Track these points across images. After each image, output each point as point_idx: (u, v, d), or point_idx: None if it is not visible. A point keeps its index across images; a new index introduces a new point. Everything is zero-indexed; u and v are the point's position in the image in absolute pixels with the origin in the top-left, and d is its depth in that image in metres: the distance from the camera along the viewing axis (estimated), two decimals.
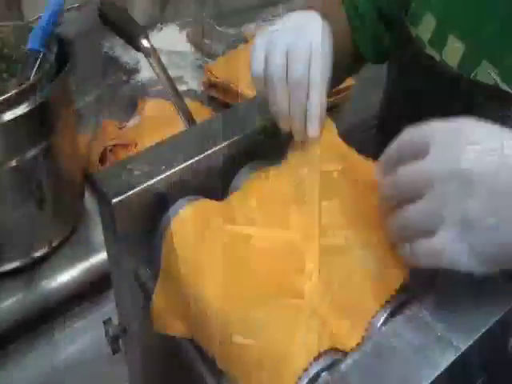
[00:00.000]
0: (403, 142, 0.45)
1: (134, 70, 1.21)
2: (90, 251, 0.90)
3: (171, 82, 0.55)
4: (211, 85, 1.12)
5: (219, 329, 0.46)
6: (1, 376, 0.83)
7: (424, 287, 0.45)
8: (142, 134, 0.93)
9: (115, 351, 0.64)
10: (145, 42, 0.53)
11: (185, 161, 0.55)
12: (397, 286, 0.45)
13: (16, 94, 0.71)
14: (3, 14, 1.00)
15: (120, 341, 0.64)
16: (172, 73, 1.23)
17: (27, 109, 0.72)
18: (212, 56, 1.25)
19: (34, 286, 0.87)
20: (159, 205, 0.54)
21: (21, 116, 0.72)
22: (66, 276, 0.89)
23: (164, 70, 0.55)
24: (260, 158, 0.59)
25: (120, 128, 1.00)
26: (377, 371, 0.39)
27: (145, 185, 0.53)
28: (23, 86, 0.72)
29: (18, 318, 0.85)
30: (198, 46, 1.28)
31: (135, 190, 0.52)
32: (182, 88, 1.19)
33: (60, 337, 0.87)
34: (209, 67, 1.13)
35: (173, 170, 0.54)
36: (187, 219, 0.51)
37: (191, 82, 1.21)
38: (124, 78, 1.20)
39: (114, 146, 0.94)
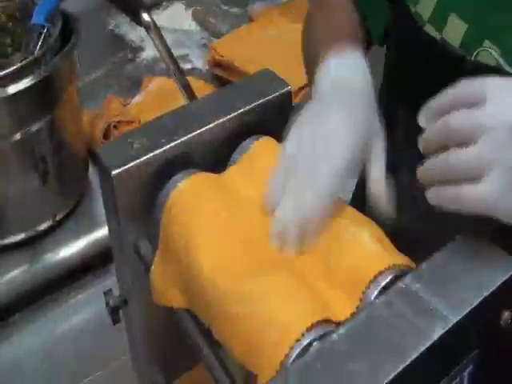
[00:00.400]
0: (458, 91, 0.45)
1: (140, 48, 1.21)
2: (93, 225, 0.91)
3: (172, 56, 0.55)
4: (216, 63, 1.12)
5: (214, 299, 0.47)
6: (5, 345, 0.85)
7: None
8: (146, 111, 0.93)
9: (115, 321, 0.65)
10: (145, 16, 0.53)
11: (185, 134, 0.55)
12: (392, 259, 0.46)
13: (20, 67, 0.71)
14: None
15: (121, 311, 0.65)
16: (177, 51, 1.24)
17: (31, 82, 0.72)
18: (217, 35, 1.25)
19: (39, 258, 0.89)
20: (159, 178, 0.55)
21: (25, 89, 0.73)
22: (69, 249, 0.91)
23: (165, 44, 0.55)
24: (262, 133, 0.59)
25: (124, 105, 1.01)
26: (367, 341, 0.40)
27: (144, 157, 0.53)
28: (27, 59, 0.72)
29: (23, 289, 0.87)
30: (203, 24, 1.28)
31: (135, 162, 0.53)
32: (186, 66, 1.20)
33: (63, 308, 0.89)
34: (213, 46, 1.13)
35: (172, 144, 0.55)
36: (185, 192, 0.52)
37: (196, 61, 1.21)
38: (129, 55, 1.21)
39: (118, 122, 0.95)
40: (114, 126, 0.94)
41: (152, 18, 0.54)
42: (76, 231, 0.91)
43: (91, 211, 0.93)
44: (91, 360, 0.88)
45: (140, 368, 0.70)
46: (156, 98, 0.99)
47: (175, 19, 1.30)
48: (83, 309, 0.89)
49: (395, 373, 0.38)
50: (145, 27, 0.54)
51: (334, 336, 0.40)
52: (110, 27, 1.26)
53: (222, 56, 1.10)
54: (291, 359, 0.41)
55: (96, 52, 1.21)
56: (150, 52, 1.20)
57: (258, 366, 0.44)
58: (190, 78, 1.08)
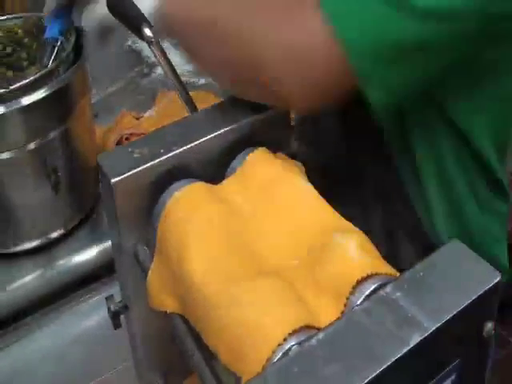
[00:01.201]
0: None
1: (155, 64, 1.24)
2: (104, 234, 0.94)
3: (174, 71, 0.58)
4: None
5: (203, 304, 0.48)
6: (16, 348, 0.88)
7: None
8: (157, 125, 0.96)
9: (116, 326, 0.67)
10: (147, 31, 0.56)
11: (183, 145, 0.58)
12: (375, 267, 0.47)
13: (34, 80, 0.74)
14: (31, 6, 1.05)
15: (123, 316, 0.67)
16: (192, 67, 1.27)
17: (45, 94, 0.76)
18: None
19: (51, 264, 0.92)
20: (157, 186, 0.57)
21: (38, 101, 0.76)
22: (81, 257, 0.93)
23: (166, 59, 0.57)
24: (259, 145, 0.61)
25: (137, 118, 1.04)
26: (344, 346, 0.41)
27: (143, 167, 0.55)
28: (41, 72, 0.75)
29: (35, 294, 0.90)
30: None
31: (134, 171, 0.55)
32: (200, 82, 1.23)
33: (74, 313, 0.91)
34: None
35: (171, 154, 0.57)
36: (180, 201, 0.54)
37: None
38: (145, 70, 1.24)
39: (130, 134, 0.98)
40: (126, 139, 0.97)
41: (154, 34, 0.56)
42: (87, 240, 0.94)
43: (102, 221, 0.96)
44: (100, 363, 0.90)
45: (141, 373, 0.72)
46: (167, 112, 1.02)
47: None
48: (93, 314, 0.91)
49: (371, 377, 0.39)
50: (147, 42, 0.56)
51: (313, 341, 0.42)
52: (128, 43, 1.29)
53: None
54: (273, 363, 0.43)
55: (114, 67, 1.25)
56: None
57: (241, 369, 0.45)
58: (202, 92, 1.11)
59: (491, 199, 0.70)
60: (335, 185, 0.60)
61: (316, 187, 0.56)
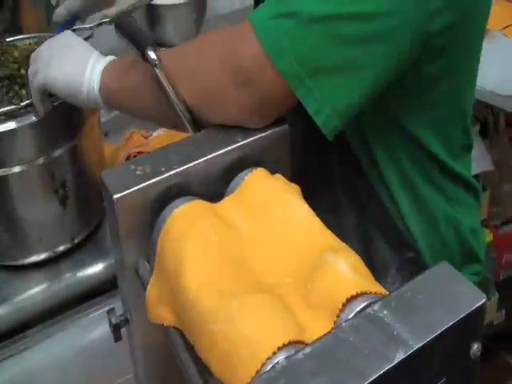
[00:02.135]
0: None
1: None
2: (109, 250, 0.96)
3: (177, 93, 0.60)
4: None
5: (197, 318, 0.50)
6: (20, 359, 0.89)
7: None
8: (164, 144, 0.98)
9: (117, 339, 0.68)
10: (151, 54, 0.58)
11: (184, 164, 0.60)
12: (365, 286, 0.49)
13: None
14: (42, 25, 1.09)
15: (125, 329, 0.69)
16: None
17: (54, 111, 0.78)
18: None
19: (58, 278, 0.94)
20: (158, 203, 0.59)
21: (49, 117, 0.78)
22: (86, 271, 0.95)
23: (170, 81, 0.60)
24: (259, 165, 0.63)
25: (145, 137, 1.06)
26: (330, 360, 0.42)
27: (145, 184, 0.58)
28: None
29: (42, 307, 0.92)
30: None
31: (136, 187, 0.57)
32: None
33: (77, 325, 0.93)
34: None
35: (172, 172, 0.59)
36: (179, 217, 0.56)
37: None
38: None
39: (138, 153, 1.00)
40: (134, 157, 1.00)
41: (158, 56, 0.58)
42: (93, 254, 0.96)
43: (108, 236, 0.97)
44: (101, 376, 0.92)
45: None
46: (175, 132, 1.04)
47: None
48: (96, 327, 0.93)
49: None
50: (151, 64, 0.59)
51: (300, 354, 0.43)
52: None
53: None
54: (260, 375, 0.44)
55: None
56: None
57: (232, 381, 0.46)
58: None
59: (458, 194, 0.75)
60: (308, 189, 0.63)
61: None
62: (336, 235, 0.54)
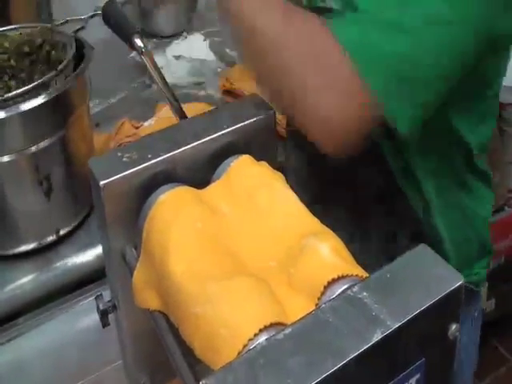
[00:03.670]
0: None
1: None
2: (97, 241, 0.96)
3: (164, 80, 0.61)
4: (226, 91, 1.18)
5: (181, 301, 0.51)
6: (11, 348, 0.90)
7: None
8: None
9: (105, 325, 0.69)
10: (138, 42, 0.59)
11: (170, 151, 0.60)
12: (346, 269, 0.49)
13: (33, 87, 0.78)
14: (34, 16, 1.09)
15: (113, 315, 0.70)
16: (193, 78, 1.31)
17: (44, 100, 0.79)
18: (232, 64, 1.31)
19: (47, 268, 0.94)
20: (144, 190, 0.59)
21: (38, 107, 0.79)
22: (75, 261, 0.96)
23: (157, 68, 0.60)
24: (244, 152, 0.64)
25: (136, 127, 1.07)
26: (309, 340, 0.43)
27: (131, 170, 0.58)
28: (41, 79, 0.79)
29: (30, 296, 0.93)
30: (219, 54, 1.35)
31: (122, 174, 0.58)
32: (201, 93, 1.26)
33: (67, 314, 0.93)
34: (225, 74, 1.19)
35: (158, 159, 0.60)
36: (165, 203, 0.57)
37: (210, 88, 1.27)
38: (147, 82, 1.27)
39: (128, 142, 1.01)
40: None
41: (144, 44, 0.59)
42: (82, 244, 0.96)
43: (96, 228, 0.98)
44: (92, 362, 0.93)
45: (129, 372, 0.74)
46: (166, 122, 1.05)
47: (193, 49, 1.37)
48: (86, 315, 0.93)
49: (332, 370, 0.42)
50: (137, 52, 0.59)
51: (280, 335, 0.44)
52: (132, 55, 1.33)
53: (232, 84, 1.16)
54: (241, 355, 0.45)
55: (116, 78, 1.28)
56: (167, 79, 1.27)
57: (214, 362, 0.47)
58: (202, 104, 1.14)
59: (476, 186, 0.75)
60: (329, 187, 0.63)
61: (309, 191, 0.58)
62: (355, 225, 0.55)
